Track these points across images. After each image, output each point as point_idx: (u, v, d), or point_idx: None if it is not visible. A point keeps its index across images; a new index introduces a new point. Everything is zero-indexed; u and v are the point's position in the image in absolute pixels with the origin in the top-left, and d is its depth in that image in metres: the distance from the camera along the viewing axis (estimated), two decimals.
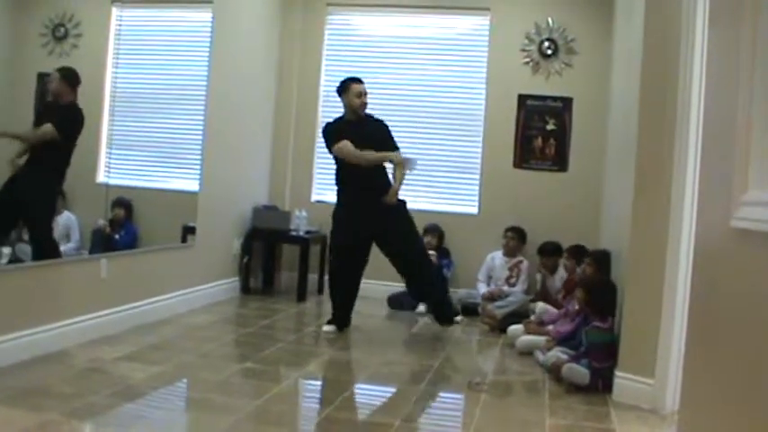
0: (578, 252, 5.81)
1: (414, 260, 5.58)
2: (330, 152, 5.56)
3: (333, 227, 5.63)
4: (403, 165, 5.49)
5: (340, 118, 5.63)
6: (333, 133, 5.55)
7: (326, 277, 7.13)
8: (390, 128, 5.65)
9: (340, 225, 5.56)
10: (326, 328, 5.53)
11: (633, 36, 4.67)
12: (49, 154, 4.44)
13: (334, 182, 5.65)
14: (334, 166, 5.60)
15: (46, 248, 4.45)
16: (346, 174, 5.53)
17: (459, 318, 5.61)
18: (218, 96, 6.07)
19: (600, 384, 4.19)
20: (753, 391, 1.74)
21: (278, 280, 7.34)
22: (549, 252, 6.33)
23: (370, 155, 5.43)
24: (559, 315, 5.18)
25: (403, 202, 5.57)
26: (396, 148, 5.59)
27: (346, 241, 5.50)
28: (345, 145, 5.41)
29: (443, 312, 5.67)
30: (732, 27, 2.06)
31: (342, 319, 5.58)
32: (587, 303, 4.52)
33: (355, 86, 5.50)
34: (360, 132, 5.47)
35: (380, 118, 5.70)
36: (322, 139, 7.35)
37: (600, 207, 6.53)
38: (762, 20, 1.81)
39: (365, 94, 5.51)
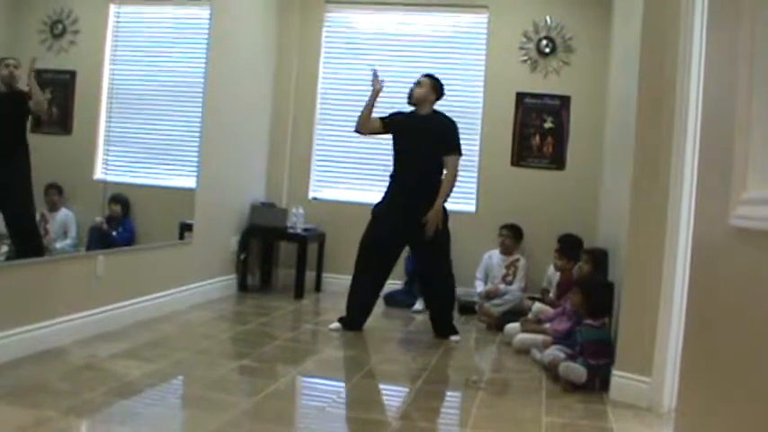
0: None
1: (433, 276, 5.59)
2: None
3: (369, 222, 5.57)
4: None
5: (411, 111, 5.66)
6: (390, 114, 5.65)
7: (325, 275, 7.20)
8: (459, 130, 5.57)
9: (377, 222, 5.54)
10: (333, 326, 5.51)
11: (631, 34, 4.67)
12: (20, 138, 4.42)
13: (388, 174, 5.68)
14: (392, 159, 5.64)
15: (31, 240, 4.41)
16: (400, 169, 5.55)
17: (455, 338, 5.46)
18: (215, 93, 6.06)
19: (597, 382, 4.19)
20: (750, 389, 1.74)
21: (275, 277, 7.34)
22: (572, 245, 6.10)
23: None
24: (556, 313, 5.17)
25: (445, 214, 5.51)
26: (452, 149, 5.48)
27: (378, 241, 5.49)
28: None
29: (441, 326, 5.57)
30: (731, 23, 2.06)
31: (352, 323, 5.54)
32: (582, 305, 4.52)
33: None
34: (415, 128, 5.51)
35: (451, 118, 5.63)
36: (320, 137, 7.47)
37: (597, 205, 6.54)
38: (761, 15, 1.80)
39: (416, 84, 5.57)
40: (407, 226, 5.40)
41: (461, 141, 5.58)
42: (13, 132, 4.37)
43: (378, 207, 5.59)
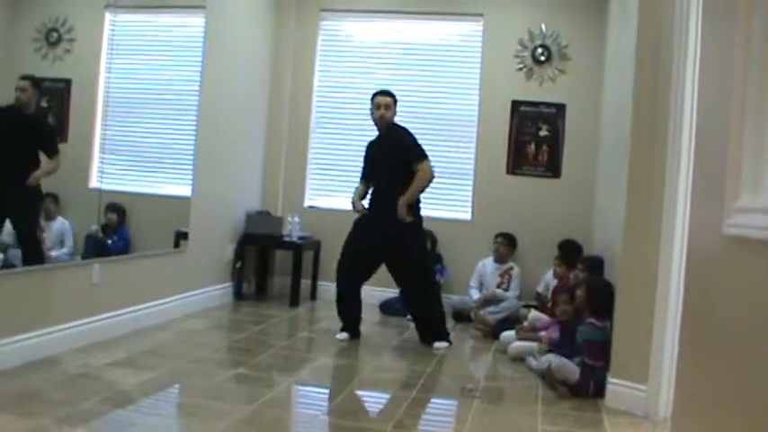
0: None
1: (412, 282, 5.58)
2: None
3: (349, 233, 5.67)
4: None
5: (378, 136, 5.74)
6: (364, 160, 5.80)
7: (320, 283, 7.19)
8: (415, 135, 5.60)
9: (355, 233, 5.64)
10: (340, 335, 5.51)
11: (626, 42, 4.69)
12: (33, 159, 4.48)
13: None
14: None
15: (35, 251, 4.43)
16: (374, 187, 5.68)
17: (441, 344, 5.45)
18: (210, 102, 6.06)
19: (591, 386, 4.19)
20: (745, 396, 1.74)
21: (271, 285, 7.33)
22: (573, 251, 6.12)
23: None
24: (552, 321, 5.17)
25: (419, 221, 5.56)
26: (419, 157, 5.46)
27: (355, 252, 5.55)
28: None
29: (423, 333, 5.58)
30: (725, 35, 2.07)
31: (350, 330, 5.58)
32: (587, 302, 4.52)
33: (375, 99, 5.61)
34: (380, 149, 5.65)
35: (403, 126, 5.67)
36: (315, 146, 7.48)
37: (592, 213, 6.55)
38: (754, 27, 1.82)
39: (382, 106, 5.54)
40: (382, 240, 5.45)
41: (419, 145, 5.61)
42: (26, 153, 4.40)
43: (358, 218, 5.66)
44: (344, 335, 5.51)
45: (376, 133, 5.73)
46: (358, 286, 5.66)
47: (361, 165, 5.82)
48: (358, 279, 5.64)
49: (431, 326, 5.56)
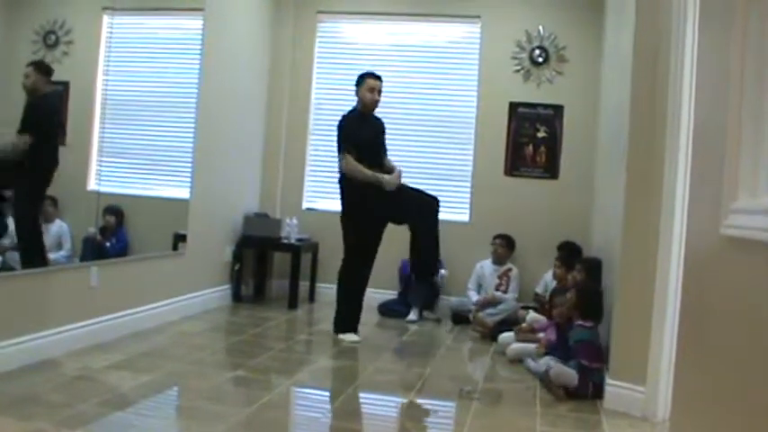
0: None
1: (414, 204, 5.54)
2: (338, 151, 5.52)
3: (345, 220, 5.51)
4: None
5: (354, 110, 5.62)
6: (347, 130, 5.52)
7: (318, 285, 7.19)
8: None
9: (354, 212, 5.47)
10: (351, 337, 5.50)
11: (623, 44, 4.69)
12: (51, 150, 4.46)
13: (337, 181, 5.61)
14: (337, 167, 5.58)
15: (34, 254, 4.42)
16: (366, 160, 5.49)
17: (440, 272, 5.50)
18: (208, 104, 6.06)
19: (590, 388, 4.20)
20: (743, 397, 1.74)
21: (269, 288, 7.33)
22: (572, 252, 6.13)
23: (367, 175, 5.39)
24: (550, 324, 5.18)
25: None
26: (385, 152, 5.69)
27: (364, 224, 5.46)
28: (349, 161, 5.41)
29: (423, 256, 5.57)
30: (722, 36, 2.07)
31: (351, 323, 5.57)
32: (576, 305, 4.55)
33: (370, 81, 5.53)
34: (369, 128, 5.59)
35: (379, 116, 5.73)
36: (313, 148, 7.46)
37: (590, 214, 6.55)
38: (750, 29, 1.82)
39: (377, 91, 5.51)
40: (381, 203, 5.42)
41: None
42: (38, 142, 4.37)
43: (352, 207, 5.49)
44: (356, 337, 5.51)
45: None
46: (369, 271, 5.61)
47: (339, 138, 5.55)
48: (371, 260, 5.58)
49: (430, 253, 5.59)
